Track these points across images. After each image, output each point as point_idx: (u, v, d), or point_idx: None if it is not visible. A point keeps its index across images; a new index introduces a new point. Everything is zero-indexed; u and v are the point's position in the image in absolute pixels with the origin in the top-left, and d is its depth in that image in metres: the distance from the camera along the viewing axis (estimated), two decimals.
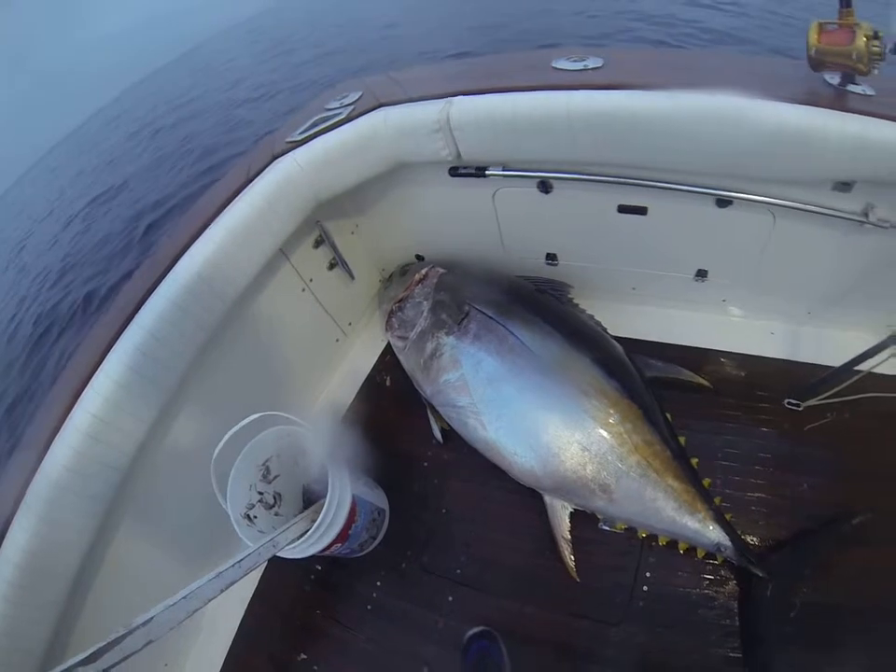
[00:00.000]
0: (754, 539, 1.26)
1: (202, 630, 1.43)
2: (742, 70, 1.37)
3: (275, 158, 1.34)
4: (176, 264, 1.16)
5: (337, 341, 1.81)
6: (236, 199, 1.25)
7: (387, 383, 1.77)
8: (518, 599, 1.30)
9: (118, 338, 1.11)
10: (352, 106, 1.41)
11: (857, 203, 1.25)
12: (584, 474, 1.24)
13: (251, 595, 1.46)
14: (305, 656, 1.35)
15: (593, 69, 1.26)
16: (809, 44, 1.09)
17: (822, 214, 1.26)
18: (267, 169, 1.31)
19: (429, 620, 1.32)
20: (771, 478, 1.37)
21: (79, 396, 1.06)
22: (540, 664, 1.23)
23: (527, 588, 1.31)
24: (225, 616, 1.43)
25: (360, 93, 1.46)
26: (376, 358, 1.83)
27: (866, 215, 1.23)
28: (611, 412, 1.26)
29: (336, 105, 1.46)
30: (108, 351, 1.10)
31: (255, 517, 1.26)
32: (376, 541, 1.43)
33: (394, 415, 1.69)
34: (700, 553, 1.24)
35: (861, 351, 1.24)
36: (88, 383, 1.07)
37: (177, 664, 1.37)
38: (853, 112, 1.07)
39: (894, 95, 1.10)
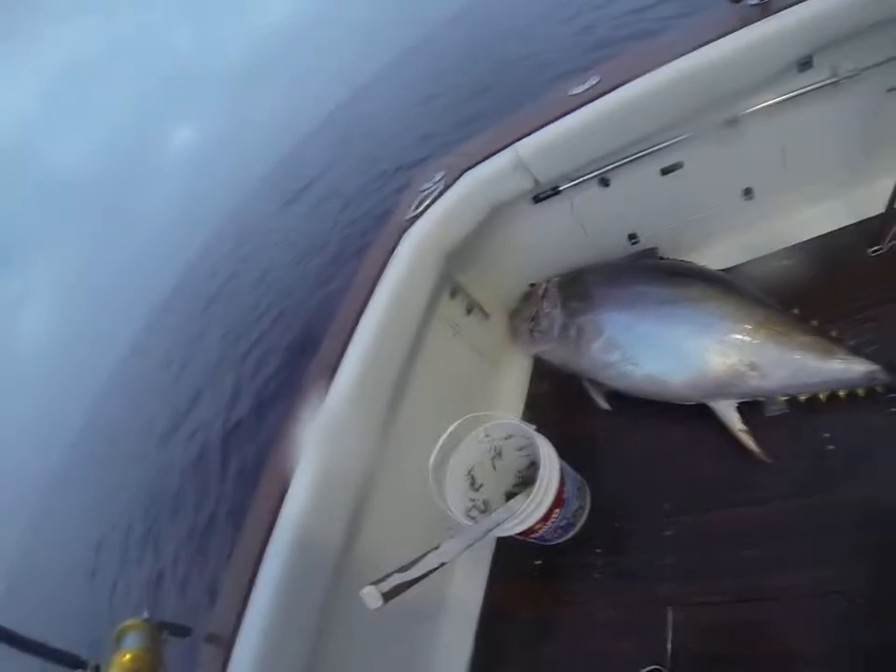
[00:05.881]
0: None
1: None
2: (693, 29, 1.78)
3: (404, 231, 1.69)
4: (357, 326, 1.45)
5: (490, 374, 2.03)
6: (386, 270, 1.57)
7: (546, 388, 1.98)
8: (726, 505, 1.38)
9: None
10: (442, 181, 1.81)
11: (824, 71, 1.55)
12: (732, 363, 1.42)
13: (479, 612, 1.50)
14: (553, 639, 1.40)
15: (596, 83, 1.69)
16: None
17: (807, 92, 1.57)
18: (402, 240, 1.66)
19: (656, 561, 1.38)
20: (885, 310, 1.48)
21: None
22: (775, 552, 1.26)
23: (730, 491, 1.39)
24: (459, 635, 1.47)
25: (443, 171, 1.87)
26: (529, 376, 2.05)
27: (836, 74, 1.54)
28: (726, 307, 1.48)
29: (428, 184, 1.85)
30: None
31: (475, 518, 1.39)
32: (585, 511, 1.52)
33: (563, 412, 1.86)
34: (861, 393, 1.34)
35: None
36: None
37: None
38: (779, 11, 1.43)
39: None
